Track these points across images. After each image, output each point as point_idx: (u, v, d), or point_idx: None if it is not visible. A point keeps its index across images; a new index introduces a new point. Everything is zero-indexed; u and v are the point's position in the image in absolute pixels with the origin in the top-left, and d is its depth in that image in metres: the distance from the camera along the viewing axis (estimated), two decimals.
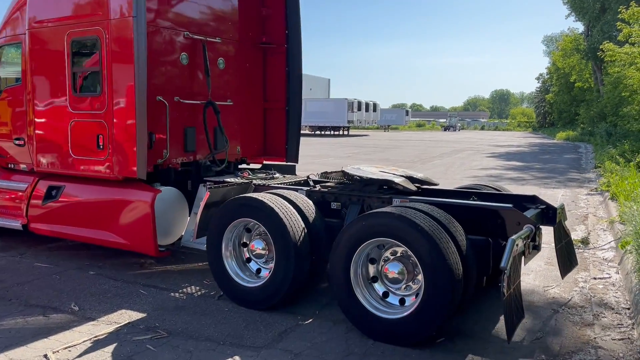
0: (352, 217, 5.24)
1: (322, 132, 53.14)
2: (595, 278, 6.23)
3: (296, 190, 5.68)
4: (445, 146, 34.43)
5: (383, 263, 4.56)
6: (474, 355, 4.21)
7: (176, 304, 5.22)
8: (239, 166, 7.52)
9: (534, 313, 5.12)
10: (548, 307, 5.29)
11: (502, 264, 3.93)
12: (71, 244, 7.18)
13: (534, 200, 5.37)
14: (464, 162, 22.37)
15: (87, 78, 6.06)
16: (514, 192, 5.88)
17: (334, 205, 5.51)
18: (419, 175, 5.73)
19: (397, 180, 5.27)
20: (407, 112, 78.17)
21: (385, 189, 5.43)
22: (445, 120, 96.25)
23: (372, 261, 4.62)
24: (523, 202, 5.39)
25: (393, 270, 4.47)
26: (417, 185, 5.66)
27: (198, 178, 6.51)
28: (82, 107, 6.06)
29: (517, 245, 4.13)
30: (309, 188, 5.69)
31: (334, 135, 49.88)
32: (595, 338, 4.57)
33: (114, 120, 5.77)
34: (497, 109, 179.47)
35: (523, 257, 4.60)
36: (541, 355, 4.24)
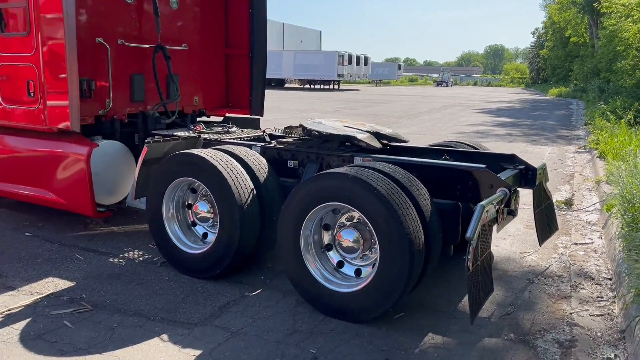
0: (309, 176, 4.68)
1: (312, 86, 52.01)
2: (576, 244, 5.78)
3: (249, 146, 5.09)
4: (436, 101, 33.70)
5: (338, 229, 4.04)
6: (435, 334, 3.74)
7: (112, 271, 4.70)
8: (197, 119, 6.89)
9: (506, 284, 4.66)
10: (523, 277, 4.83)
11: (468, 234, 3.42)
12: (14, 202, 6.59)
13: (512, 159, 4.82)
14: (453, 117, 21.76)
15: (15, 15, 5.34)
16: (493, 151, 5.32)
17: (290, 163, 4.94)
18: (386, 130, 5.15)
19: (360, 136, 4.69)
20: (399, 66, 76.65)
21: (348, 145, 4.86)
22: (438, 75, 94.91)
23: (327, 227, 4.09)
24: (501, 161, 4.84)
25: (347, 238, 3.95)
26: (384, 142, 5.09)
27: (146, 131, 5.89)
28: (10, 49, 5.36)
29: (487, 211, 3.61)
30: (263, 144, 5.10)
31: (324, 90, 48.83)
32: (571, 313, 4.11)
33: (44, 65, 5.09)
34: (491, 64, 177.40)
35: (496, 224, 4.10)
36: (509, 334, 3.78)
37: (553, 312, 4.13)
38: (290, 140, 5.14)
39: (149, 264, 4.88)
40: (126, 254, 5.12)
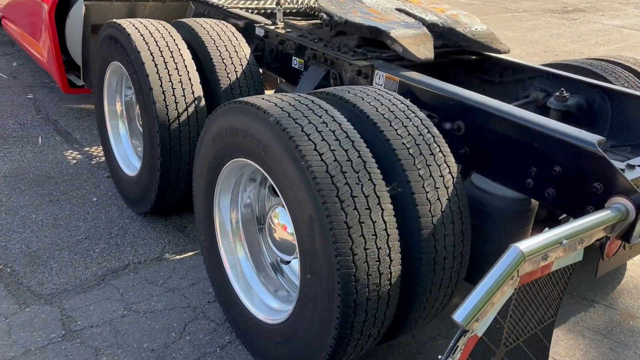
0: (305, 86, 2.83)
1: None
2: None
3: (251, 25, 3.29)
4: None
5: (275, 205, 2.25)
6: None
7: (48, 172, 3.53)
8: None
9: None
10: None
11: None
12: None
13: None
14: None
15: None
16: None
17: (295, 62, 3.07)
18: (474, 27, 2.90)
19: (396, 33, 2.59)
20: None
21: (376, 45, 2.78)
22: None
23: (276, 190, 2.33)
24: None
25: (284, 222, 2.16)
26: (461, 46, 2.89)
27: None
28: None
29: (532, 263, 1.53)
30: (267, 25, 3.24)
31: None
32: None
33: None
34: None
35: (600, 259, 1.98)
36: None
37: None
38: (302, 24, 3.19)
39: (99, 171, 3.61)
40: (91, 150, 3.90)
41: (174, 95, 2.65)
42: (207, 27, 2.97)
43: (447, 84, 2.34)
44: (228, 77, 2.82)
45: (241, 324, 2.24)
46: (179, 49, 2.75)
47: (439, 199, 1.87)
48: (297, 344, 1.92)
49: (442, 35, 2.86)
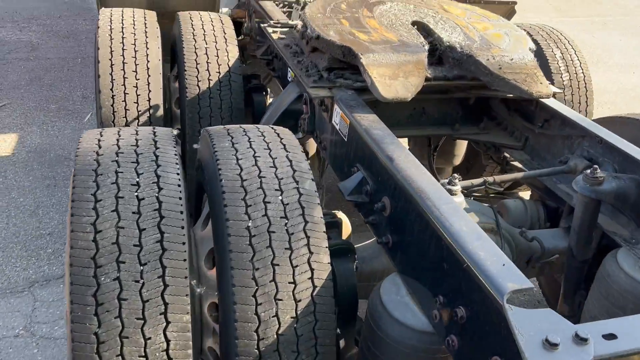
0: (277, 107, 2.32)
1: None
2: None
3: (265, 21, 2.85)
4: None
5: None
6: None
7: (68, 153, 3.50)
8: None
9: None
10: None
11: None
12: None
13: None
14: None
15: None
16: None
17: (288, 74, 2.56)
18: (510, 57, 2.10)
19: (373, 58, 1.94)
20: None
21: (349, 72, 2.13)
22: None
23: None
24: None
25: None
26: (478, 82, 2.12)
27: None
28: None
29: None
30: (269, 24, 2.75)
31: None
32: None
33: None
34: None
35: None
36: None
37: None
38: (292, 23, 2.63)
39: None
40: None
41: (124, 101, 2.35)
42: (196, 23, 2.60)
43: (392, 141, 1.68)
44: (198, 85, 2.44)
45: None
46: (147, 46, 2.43)
47: (276, 315, 1.32)
48: None
49: (461, 63, 2.13)
